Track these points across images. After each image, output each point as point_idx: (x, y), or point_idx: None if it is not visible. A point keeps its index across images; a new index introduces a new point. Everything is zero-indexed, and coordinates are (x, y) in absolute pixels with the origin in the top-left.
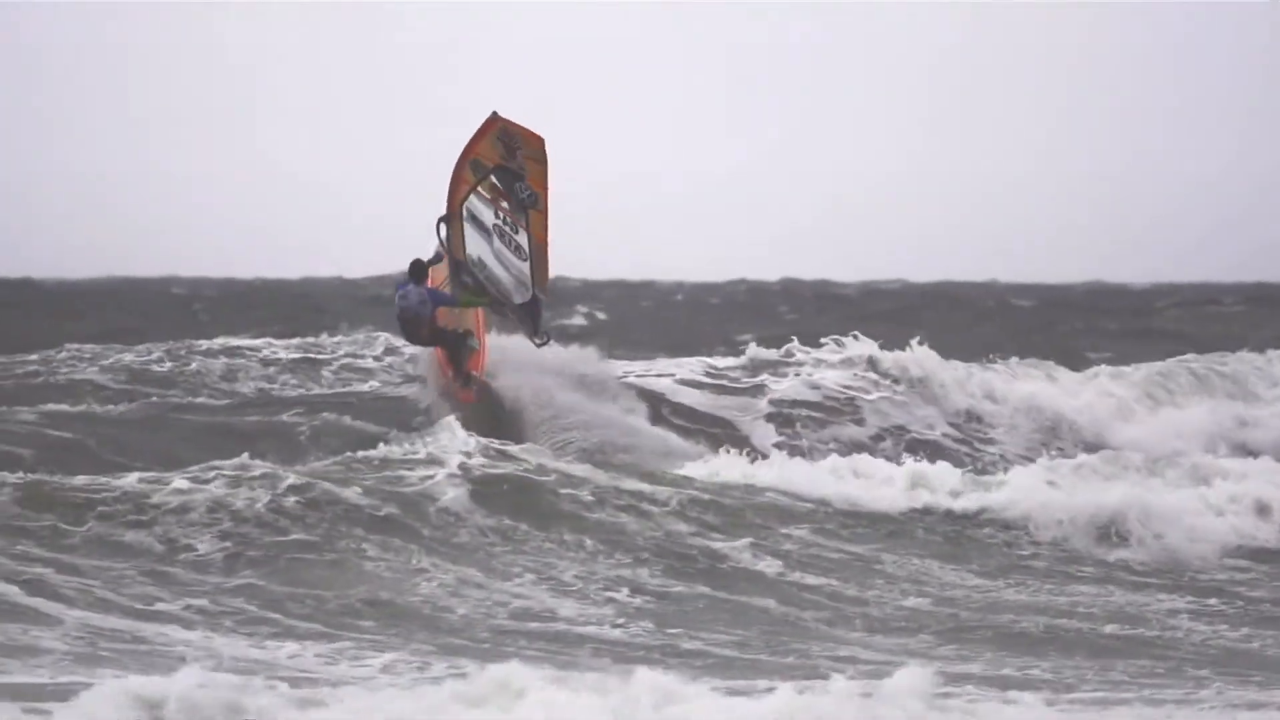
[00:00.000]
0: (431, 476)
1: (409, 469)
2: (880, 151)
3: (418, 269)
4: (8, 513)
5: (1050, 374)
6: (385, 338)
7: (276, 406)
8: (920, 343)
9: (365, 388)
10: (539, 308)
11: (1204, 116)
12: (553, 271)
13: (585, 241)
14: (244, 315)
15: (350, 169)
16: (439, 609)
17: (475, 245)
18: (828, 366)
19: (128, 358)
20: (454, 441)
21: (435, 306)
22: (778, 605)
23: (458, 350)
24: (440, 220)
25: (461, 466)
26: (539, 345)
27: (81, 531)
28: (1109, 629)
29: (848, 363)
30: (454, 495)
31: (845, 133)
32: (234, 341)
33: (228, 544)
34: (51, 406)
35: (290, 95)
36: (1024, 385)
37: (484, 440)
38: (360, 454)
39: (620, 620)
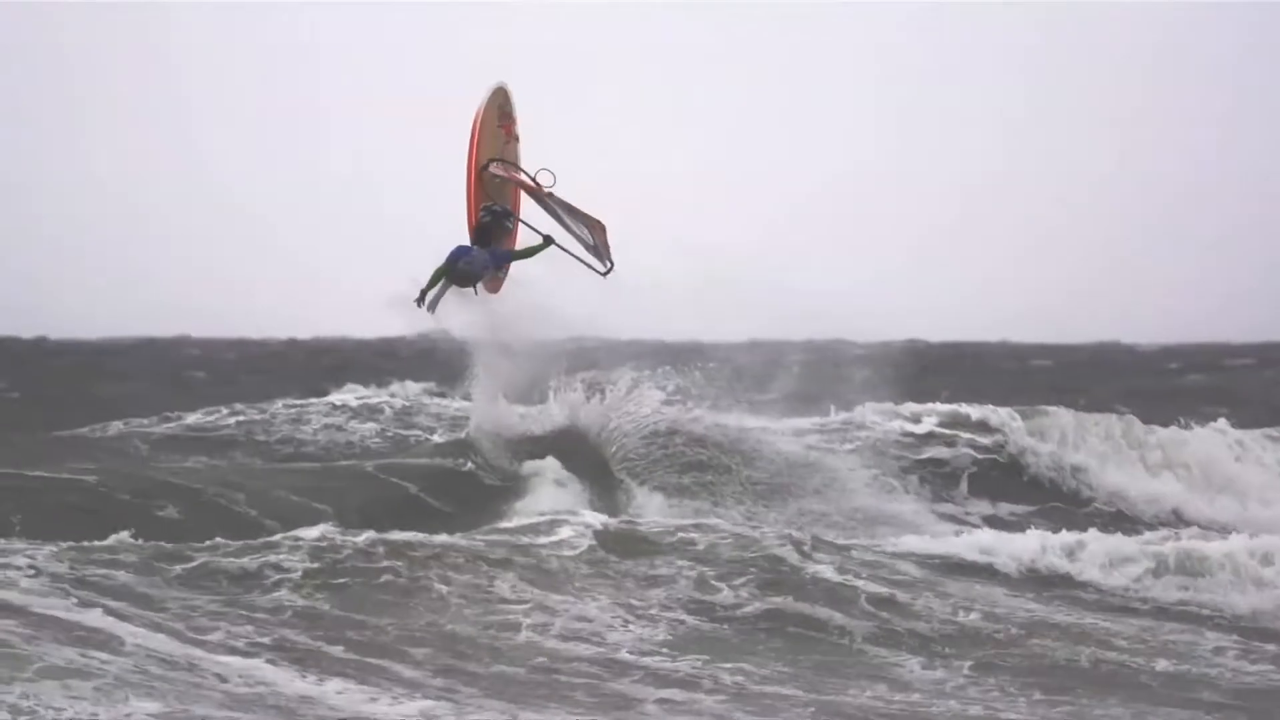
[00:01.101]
0: (549, 533)
1: (529, 535)
2: (901, 211)
3: (484, 233)
4: (115, 547)
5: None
6: (434, 390)
7: (352, 455)
8: (1074, 410)
9: (448, 429)
10: (605, 242)
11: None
12: (569, 332)
13: (595, 301)
14: (274, 375)
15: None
16: (499, 637)
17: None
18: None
19: (190, 419)
20: (585, 516)
21: (498, 263)
22: (839, 618)
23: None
24: (491, 161)
25: (584, 523)
26: (604, 274)
27: (186, 566)
28: (1157, 666)
29: (980, 425)
30: (563, 541)
31: (859, 194)
32: (296, 401)
33: (315, 564)
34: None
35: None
36: (1184, 442)
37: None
38: (484, 529)
39: (671, 651)
